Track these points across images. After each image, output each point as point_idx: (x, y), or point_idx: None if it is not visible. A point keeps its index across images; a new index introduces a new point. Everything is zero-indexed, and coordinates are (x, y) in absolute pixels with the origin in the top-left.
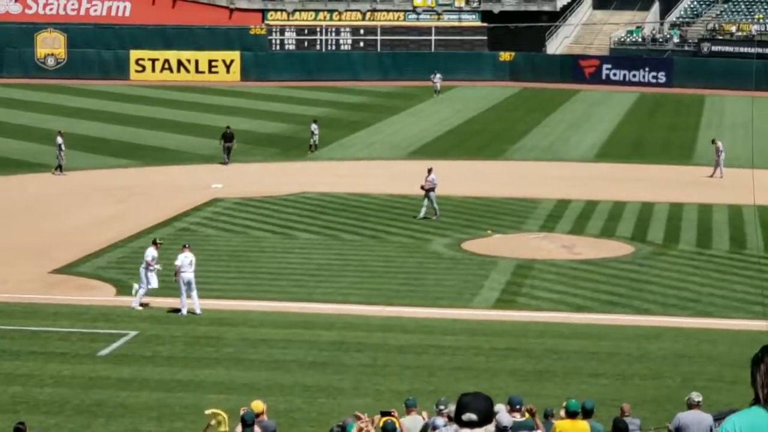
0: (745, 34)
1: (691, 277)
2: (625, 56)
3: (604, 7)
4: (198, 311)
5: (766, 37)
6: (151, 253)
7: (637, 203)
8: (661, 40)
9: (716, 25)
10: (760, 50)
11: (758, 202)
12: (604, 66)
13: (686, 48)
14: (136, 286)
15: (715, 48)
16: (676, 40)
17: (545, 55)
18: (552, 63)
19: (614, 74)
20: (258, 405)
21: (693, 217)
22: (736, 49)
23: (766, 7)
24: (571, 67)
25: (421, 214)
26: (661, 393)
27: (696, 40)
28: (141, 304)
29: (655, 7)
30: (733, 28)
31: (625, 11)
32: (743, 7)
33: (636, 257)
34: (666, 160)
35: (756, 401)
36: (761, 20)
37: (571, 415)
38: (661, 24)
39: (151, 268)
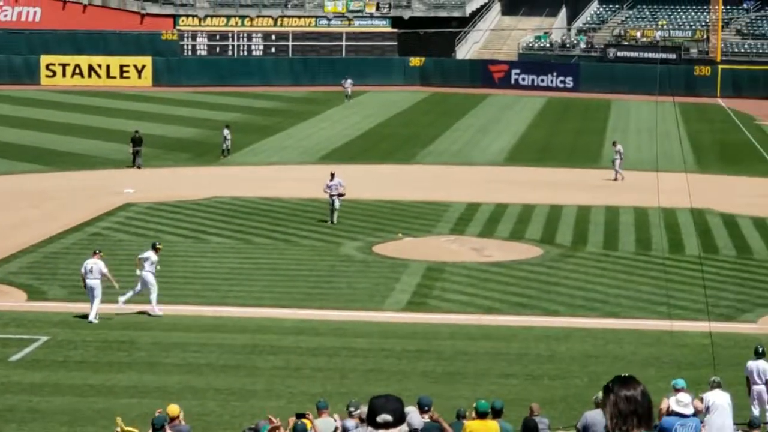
0: (649, 40)
1: (599, 278)
2: (533, 61)
3: (513, 13)
4: (91, 319)
5: (670, 42)
6: (149, 256)
7: (546, 206)
8: (568, 45)
9: (622, 31)
10: (663, 56)
11: (663, 205)
12: (513, 71)
13: (593, 53)
14: (151, 296)
15: (620, 53)
16: (582, 45)
17: (455, 60)
18: (461, 68)
19: (523, 79)
20: (173, 409)
21: (600, 220)
22: (641, 54)
23: (669, 13)
24: (481, 72)
25: (334, 220)
26: (570, 392)
27: (602, 46)
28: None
29: (563, 14)
30: (638, 34)
31: (533, 17)
32: (647, 13)
33: (545, 259)
34: (573, 164)
35: (607, 430)
36: (665, 26)
37: (480, 415)
38: (568, 30)
39: (145, 270)
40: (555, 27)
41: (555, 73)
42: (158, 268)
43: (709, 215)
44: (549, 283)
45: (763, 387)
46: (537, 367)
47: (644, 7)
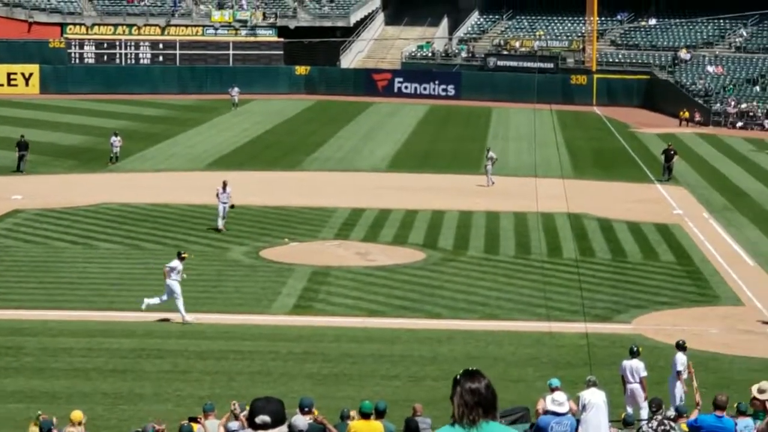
0: (528, 49)
1: (480, 281)
2: (416, 70)
3: (396, 23)
4: None
5: (548, 52)
6: (175, 265)
7: (428, 211)
8: (450, 54)
9: (501, 41)
10: (541, 65)
11: (541, 210)
12: (396, 79)
13: (474, 62)
14: (156, 299)
15: (500, 63)
16: (464, 54)
17: (339, 69)
18: (346, 76)
19: (406, 87)
20: (77, 415)
21: (481, 224)
22: (520, 63)
23: (547, 24)
24: (365, 81)
25: (220, 225)
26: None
27: (483, 55)
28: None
29: (444, 24)
30: (517, 44)
31: (415, 27)
32: (526, 24)
33: (427, 263)
34: (455, 170)
35: (453, 419)
36: (542, 37)
37: (364, 416)
38: (450, 39)
39: (171, 279)
40: (437, 37)
41: (437, 82)
42: (184, 276)
43: (585, 220)
44: (432, 286)
45: (637, 385)
46: (420, 369)
47: (523, 17)
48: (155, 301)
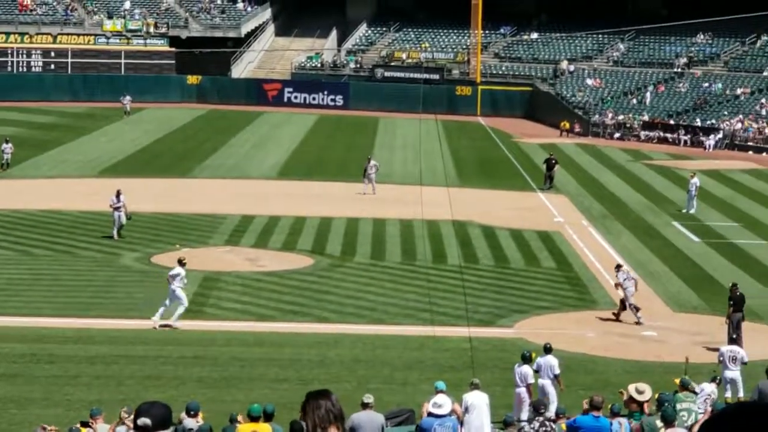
0: (414, 61)
1: (367, 287)
2: (305, 80)
3: (286, 35)
4: None
5: (433, 64)
6: (178, 272)
7: (317, 218)
8: (339, 65)
9: (389, 53)
10: (427, 76)
11: (427, 217)
12: (286, 89)
13: (362, 73)
14: (181, 309)
15: (387, 74)
16: (352, 66)
17: (231, 78)
18: (237, 86)
19: (295, 97)
20: None
21: (368, 231)
22: (407, 74)
23: (433, 36)
24: (255, 91)
25: (114, 234)
26: (339, 395)
27: (371, 66)
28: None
29: (333, 35)
30: (404, 56)
31: (305, 38)
32: (413, 36)
33: (316, 269)
34: (343, 178)
35: None
36: (428, 49)
37: (253, 419)
38: (339, 51)
39: (175, 285)
40: (326, 48)
41: (326, 92)
42: (185, 282)
43: (469, 227)
44: (320, 291)
45: (523, 389)
46: (308, 372)
47: (410, 30)
48: (161, 311)
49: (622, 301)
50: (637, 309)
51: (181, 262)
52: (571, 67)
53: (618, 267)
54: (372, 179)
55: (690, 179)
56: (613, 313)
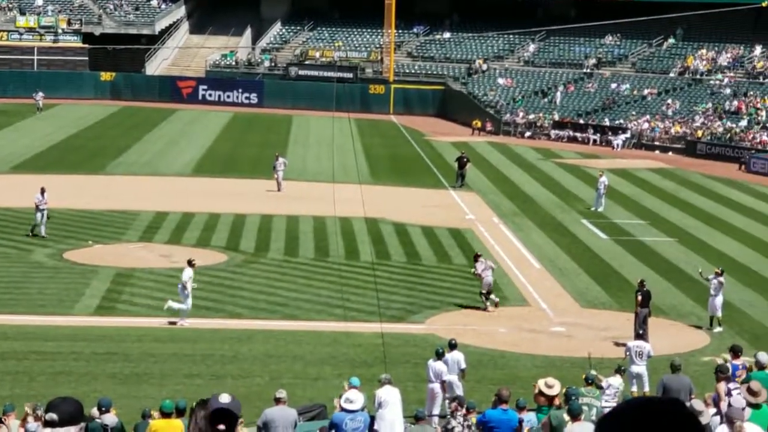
0: (328, 60)
1: (280, 283)
2: (220, 78)
3: (201, 32)
4: None
5: (347, 63)
6: (186, 273)
7: (231, 215)
8: (253, 63)
9: (303, 52)
10: (340, 74)
11: (339, 214)
12: (201, 87)
13: (276, 72)
14: (176, 305)
15: (302, 72)
16: (267, 64)
17: (145, 75)
18: (151, 83)
19: (210, 95)
20: None
21: (281, 228)
22: (321, 73)
23: (346, 36)
24: (170, 88)
25: (43, 232)
26: (252, 391)
27: (285, 65)
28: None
29: (248, 34)
30: (318, 54)
31: (219, 36)
32: (327, 35)
33: (229, 265)
34: (257, 175)
35: None
36: (341, 48)
37: (165, 414)
38: (253, 49)
39: (186, 290)
40: (241, 46)
41: (240, 90)
42: (194, 285)
43: (382, 224)
44: (233, 287)
45: (437, 385)
46: (221, 368)
47: (324, 29)
48: (184, 311)
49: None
50: (487, 297)
51: (190, 263)
52: (485, 66)
53: (476, 257)
54: (280, 176)
55: (599, 178)
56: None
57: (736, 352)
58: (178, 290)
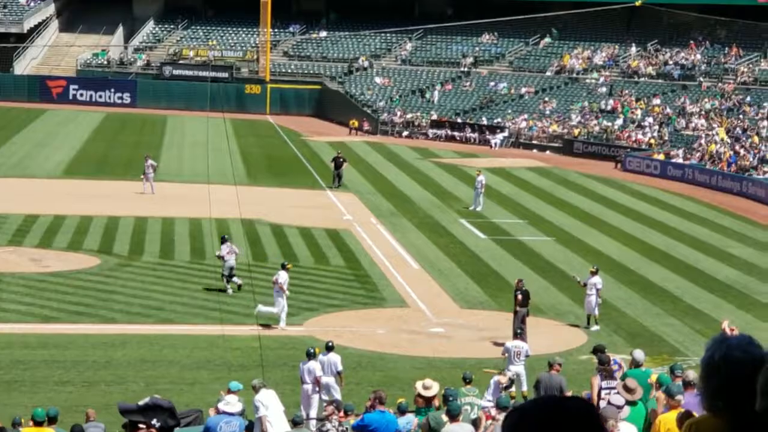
0: (203, 59)
1: (155, 286)
2: (91, 77)
3: (71, 30)
4: None
5: (222, 62)
6: (283, 276)
7: (104, 217)
8: (126, 63)
9: (177, 50)
10: (215, 74)
11: (215, 216)
12: (71, 86)
13: (149, 71)
14: (266, 308)
15: (176, 71)
16: (140, 63)
17: (13, 75)
18: (19, 83)
19: (81, 95)
20: None
21: (156, 230)
22: (195, 72)
23: (221, 34)
24: (39, 88)
25: None
26: (126, 397)
27: (158, 64)
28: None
29: (120, 32)
30: (192, 53)
31: (90, 35)
32: (201, 33)
33: (102, 269)
34: (131, 176)
35: None
36: (216, 47)
37: (37, 423)
38: (126, 48)
39: (286, 292)
40: (112, 45)
41: (113, 90)
42: (287, 293)
43: (258, 225)
44: (106, 291)
45: (310, 386)
46: (93, 374)
47: (198, 27)
48: (282, 317)
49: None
50: (229, 279)
51: (284, 267)
52: (367, 63)
53: (223, 239)
54: (150, 178)
55: (476, 177)
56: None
57: (596, 351)
58: (273, 294)
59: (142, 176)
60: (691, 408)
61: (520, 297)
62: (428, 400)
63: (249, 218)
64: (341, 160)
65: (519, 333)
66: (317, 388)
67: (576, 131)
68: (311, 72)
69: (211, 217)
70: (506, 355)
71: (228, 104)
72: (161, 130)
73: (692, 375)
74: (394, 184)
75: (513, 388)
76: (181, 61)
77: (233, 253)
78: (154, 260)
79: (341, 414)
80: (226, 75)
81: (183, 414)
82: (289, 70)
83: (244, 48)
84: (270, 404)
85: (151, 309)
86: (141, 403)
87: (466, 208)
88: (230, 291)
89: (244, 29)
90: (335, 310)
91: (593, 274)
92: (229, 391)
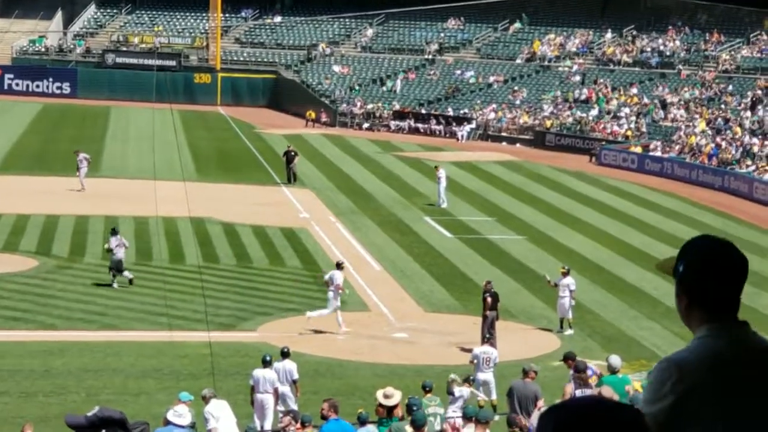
0: (148, 46)
1: (98, 290)
2: (28, 66)
3: (6, 16)
4: None
5: (169, 49)
6: (340, 276)
7: (42, 216)
8: (65, 50)
9: (120, 37)
10: (161, 62)
11: (162, 214)
12: (6, 76)
13: (91, 59)
14: (321, 311)
15: (119, 59)
16: (80, 50)
17: None
18: None
19: (17, 84)
20: None
21: (99, 230)
22: (140, 60)
23: (168, 20)
24: None
25: None
26: (66, 408)
27: (101, 51)
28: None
29: (59, 17)
30: (137, 40)
31: (27, 20)
32: (146, 19)
33: (40, 271)
34: (71, 172)
35: None
36: (163, 33)
37: None
38: (65, 34)
39: (340, 291)
40: (51, 31)
41: (51, 79)
42: (345, 291)
43: (209, 224)
44: (45, 295)
45: (268, 395)
46: (31, 384)
47: (143, 12)
48: (340, 319)
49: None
50: (118, 273)
51: (339, 266)
52: (329, 50)
53: (113, 231)
54: (82, 174)
55: (436, 172)
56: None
57: (567, 359)
58: (329, 296)
59: (77, 172)
60: None
61: (489, 300)
62: (390, 410)
63: (199, 216)
64: (292, 153)
65: (488, 338)
66: (273, 398)
67: (548, 123)
68: (265, 60)
69: (157, 216)
70: (474, 361)
71: (176, 95)
72: (104, 122)
73: None
74: (354, 180)
75: (482, 396)
76: (124, 49)
77: (122, 246)
78: (96, 262)
79: (298, 425)
80: (173, 63)
81: (132, 426)
82: (242, 58)
83: (192, 34)
84: (221, 416)
85: (94, 314)
86: (90, 414)
87: (431, 205)
88: (116, 285)
89: (193, 14)
90: (291, 314)
91: (565, 274)
92: (179, 402)
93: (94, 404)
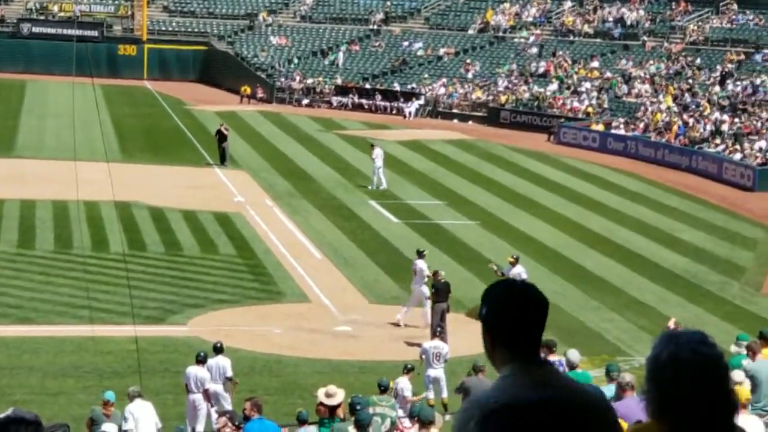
0: (68, 15)
1: (13, 281)
2: None
3: None
4: None
5: (92, 18)
6: (424, 266)
7: None
8: None
9: (37, 5)
10: (82, 32)
11: (84, 198)
12: None
13: (5, 29)
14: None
15: (36, 29)
16: None
17: None
18: None
19: None
20: None
21: (14, 215)
22: (59, 30)
23: None
24: None
25: None
26: None
27: (15, 21)
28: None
29: None
30: (55, 8)
31: None
32: None
33: None
34: None
35: None
36: (83, 1)
37: None
38: None
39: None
40: None
41: None
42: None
43: (135, 208)
44: None
45: (199, 395)
46: None
47: None
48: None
49: None
50: None
51: (421, 254)
52: (270, 19)
53: None
54: None
55: (372, 151)
56: None
57: (550, 347)
58: (415, 283)
59: None
60: (630, 413)
61: (437, 290)
62: (332, 410)
63: (124, 201)
64: (225, 131)
65: (438, 332)
66: (206, 398)
67: (503, 98)
68: (196, 30)
69: (79, 200)
70: (424, 357)
71: (98, 68)
72: (18, 97)
73: (629, 377)
74: (293, 160)
75: (432, 396)
76: (41, 17)
77: None
78: (11, 250)
79: (234, 427)
80: (95, 33)
81: (47, 428)
82: (170, 28)
83: (116, 2)
84: (141, 417)
85: (8, 307)
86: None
87: (363, 186)
88: None
89: None
90: (225, 306)
91: (513, 264)
92: (107, 403)
93: (9, 405)
